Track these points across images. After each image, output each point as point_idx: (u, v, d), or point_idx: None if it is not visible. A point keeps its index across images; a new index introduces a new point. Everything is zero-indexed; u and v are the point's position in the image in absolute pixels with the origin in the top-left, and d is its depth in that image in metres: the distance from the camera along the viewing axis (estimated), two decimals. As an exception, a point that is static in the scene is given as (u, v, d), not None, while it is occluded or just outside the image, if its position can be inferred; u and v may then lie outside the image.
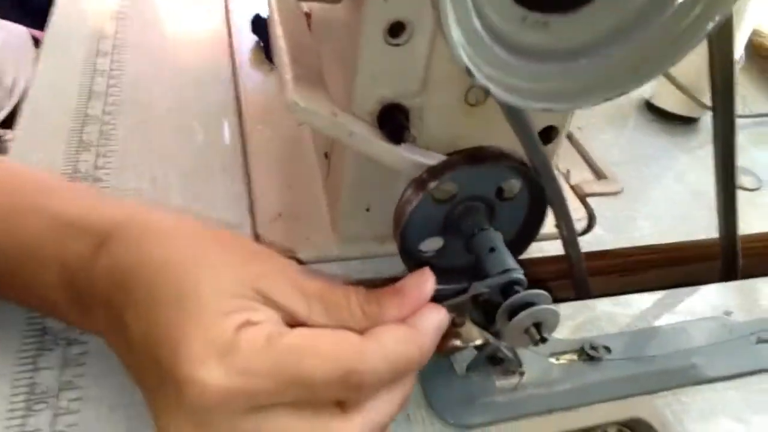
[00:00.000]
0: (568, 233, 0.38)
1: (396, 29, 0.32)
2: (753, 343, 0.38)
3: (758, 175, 0.53)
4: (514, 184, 0.35)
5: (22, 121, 0.46)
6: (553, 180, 0.34)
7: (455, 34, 0.23)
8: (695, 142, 0.57)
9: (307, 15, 0.46)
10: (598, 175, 0.51)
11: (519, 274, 0.31)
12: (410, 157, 0.33)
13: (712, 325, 0.39)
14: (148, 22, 0.61)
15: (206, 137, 0.48)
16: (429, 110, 0.35)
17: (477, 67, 0.23)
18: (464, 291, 0.30)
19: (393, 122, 0.33)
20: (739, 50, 0.55)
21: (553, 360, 0.36)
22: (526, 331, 0.29)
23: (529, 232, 0.37)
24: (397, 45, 0.32)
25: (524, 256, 0.43)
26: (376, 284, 0.36)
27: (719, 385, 0.36)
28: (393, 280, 0.36)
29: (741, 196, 0.51)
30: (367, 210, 0.39)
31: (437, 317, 0.27)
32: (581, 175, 0.51)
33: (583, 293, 0.41)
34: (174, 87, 0.52)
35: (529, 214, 0.36)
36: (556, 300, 0.40)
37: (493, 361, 0.33)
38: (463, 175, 0.33)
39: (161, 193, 0.42)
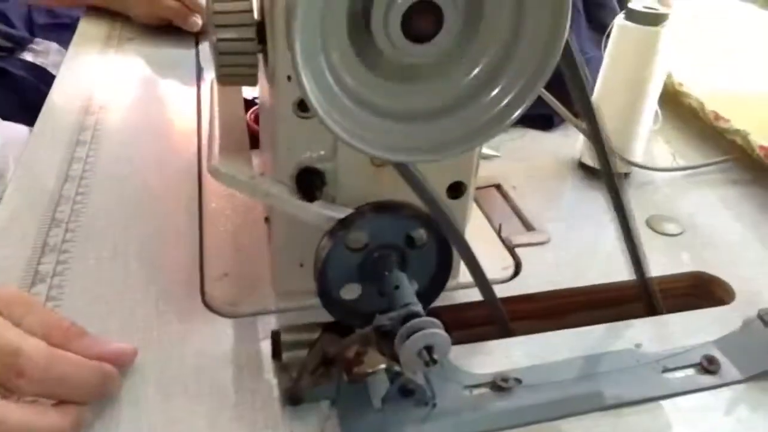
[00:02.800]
0: (478, 278, 0.42)
1: (304, 105, 0.37)
2: (659, 372, 0.41)
3: (681, 222, 0.57)
4: (421, 233, 0.40)
5: (5, 198, 0.52)
6: (454, 228, 0.39)
7: (308, 85, 0.28)
8: (629, 196, 0.61)
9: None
10: (528, 227, 0.56)
11: (417, 308, 0.34)
12: (322, 212, 0.38)
13: (621, 356, 0.42)
14: (126, 113, 0.68)
15: (167, 210, 0.53)
16: (341, 172, 0.40)
17: (334, 120, 0.29)
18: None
19: (306, 183, 0.38)
20: (652, 108, 0.60)
21: (466, 392, 0.39)
22: (419, 354, 0.33)
23: (440, 277, 0.41)
24: (307, 117, 0.38)
25: (456, 301, 0.47)
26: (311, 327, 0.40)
27: (624, 411, 0.38)
28: (329, 325, 0.40)
29: (665, 241, 0.55)
30: (301, 266, 0.44)
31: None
32: (513, 228, 0.55)
33: (503, 331, 0.44)
34: (143, 169, 0.58)
35: (439, 261, 0.40)
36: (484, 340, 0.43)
37: (404, 392, 0.36)
38: (370, 224, 0.38)
39: (120, 259, 0.47)
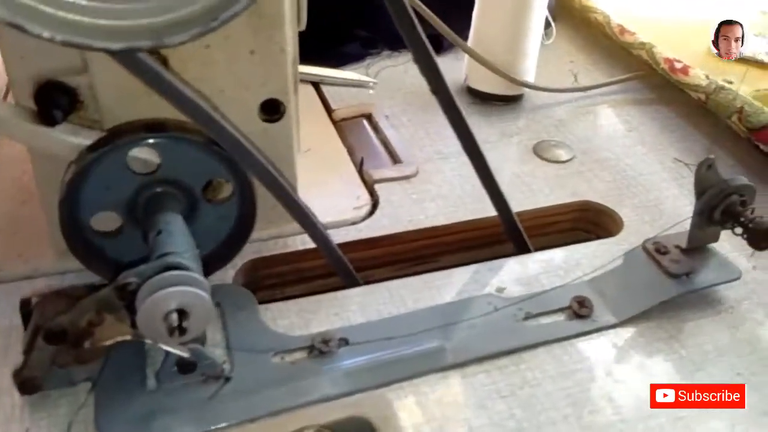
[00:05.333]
0: (294, 212, 0.33)
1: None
2: (519, 320, 0.34)
3: (572, 147, 0.50)
4: (225, 187, 0.31)
5: None
6: (233, 138, 0.30)
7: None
8: (520, 121, 0.54)
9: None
10: (395, 160, 0.47)
11: (178, 259, 0.26)
12: (66, 139, 0.29)
13: (475, 304, 0.35)
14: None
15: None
16: (102, 88, 0.30)
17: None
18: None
19: (45, 102, 0.29)
20: (540, 17, 0.52)
21: (276, 360, 0.31)
22: (166, 318, 0.24)
23: (239, 234, 0.33)
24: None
25: (291, 249, 0.39)
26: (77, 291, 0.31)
27: (470, 369, 0.31)
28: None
29: (553, 169, 0.48)
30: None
31: None
32: (378, 161, 0.47)
33: (349, 282, 0.36)
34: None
35: (239, 222, 0.32)
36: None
37: (183, 367, 0.28)
38: (161, 145, 0.29)
39: None
